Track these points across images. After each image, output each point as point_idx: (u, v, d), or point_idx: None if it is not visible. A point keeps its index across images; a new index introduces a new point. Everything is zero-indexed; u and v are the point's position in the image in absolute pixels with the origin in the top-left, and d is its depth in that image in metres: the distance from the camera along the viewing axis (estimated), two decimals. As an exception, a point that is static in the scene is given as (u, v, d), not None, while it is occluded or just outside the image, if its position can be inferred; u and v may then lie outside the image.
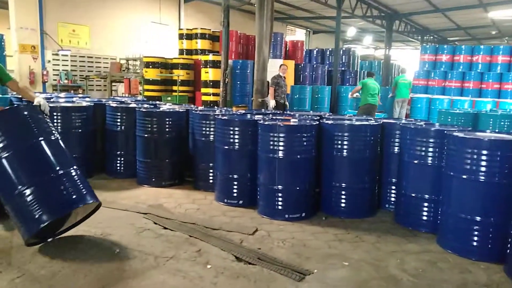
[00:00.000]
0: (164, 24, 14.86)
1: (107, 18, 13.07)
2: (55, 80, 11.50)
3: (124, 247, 3.31)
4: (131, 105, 5.76)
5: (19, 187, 3.04)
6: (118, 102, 6.19)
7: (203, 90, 11.11)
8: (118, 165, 5.56)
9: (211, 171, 4.99)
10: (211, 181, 4.99)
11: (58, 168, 3.20)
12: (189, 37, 12.61)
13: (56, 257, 3.09)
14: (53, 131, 3.43)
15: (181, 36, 12.85)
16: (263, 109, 7.84)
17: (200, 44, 12.40)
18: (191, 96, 11.81)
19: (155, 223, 3.85)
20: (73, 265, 3.00)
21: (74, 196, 3.20)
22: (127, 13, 13.60)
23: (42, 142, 3.25)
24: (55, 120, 5.16)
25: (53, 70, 11.60)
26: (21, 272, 2.87)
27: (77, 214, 3.45)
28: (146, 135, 5.18)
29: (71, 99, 6.51)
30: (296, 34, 21.56)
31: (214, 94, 10.80)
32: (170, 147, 5.26)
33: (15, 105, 3.57)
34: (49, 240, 3.34)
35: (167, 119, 5.22)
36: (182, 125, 5.41)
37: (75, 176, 3.28)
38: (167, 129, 5.21)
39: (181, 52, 12.78)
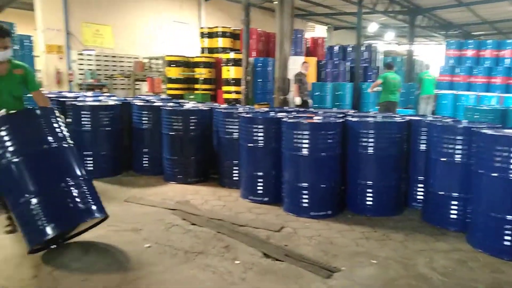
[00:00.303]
0: (185, 22, 15.01)
1: (129, 18, 13.29)
2: (81, 79, 11.78)
3: (154, 242, 3.40)
4: (156, 104, 5.86)
5: (26, 195, 2.94)
6: (144, 101, 6.32)
7: (225, 88, 11.19)
8: (145, 162, 5.68)
9: (235, 168, 5.03)
10: (235, 178, 5.03)
11: (67, 178, 3.08)
12: (210, 35, 12.70)
13: (90, 251, 3.21)
14: (67, 138, 3.28)
15: (202, 35, 12.96)
16: (285, 107, 7.84)
17: (221, 42, 12.47)
18: (213, 94, 11.91)
19: (183, 219, 3.93)
20: (106, 258, 3.11)
21: (81, 209, 3.07)
22: (148, 12, 13.79)
23: (54, 149, 3.14)
24: (83, 119, 5.33)
25: (79, 69, 11.88)
26: (56, 265, 2.98)
27: (85, 223, 3.30)
28: (172, 133, 5.27)
29: (98, 98, 6.68)
30: (315, 31, 21.40)
31: (236, 92, 10.87)
32: (195, 145, 5.34)
33: (29, 108, 3.53)
34: (52, 247, 3.21)
35: (192, 117, 5.30)
36: (207, 123, 5.48)
37: (84, 187, 3.14)
38: (192, 127, 5.28)
39: (203, 50, 12.89)
